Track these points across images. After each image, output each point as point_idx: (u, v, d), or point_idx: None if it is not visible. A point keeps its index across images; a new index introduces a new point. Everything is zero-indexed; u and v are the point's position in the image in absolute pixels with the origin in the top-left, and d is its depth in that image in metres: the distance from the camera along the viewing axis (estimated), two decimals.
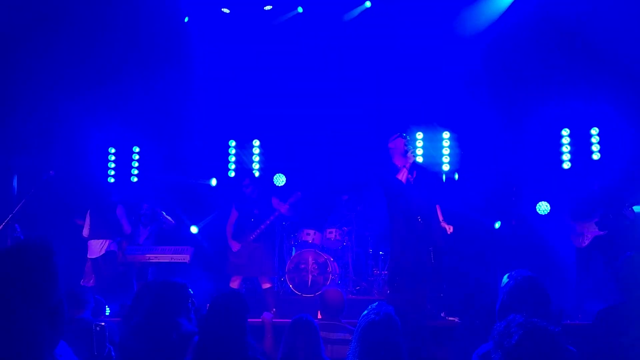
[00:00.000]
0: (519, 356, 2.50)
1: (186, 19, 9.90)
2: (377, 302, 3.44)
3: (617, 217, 7.65)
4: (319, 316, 5.27)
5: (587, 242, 7.86)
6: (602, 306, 4.11)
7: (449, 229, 7.13)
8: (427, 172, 7.36)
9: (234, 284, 8.36)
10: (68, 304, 4.79)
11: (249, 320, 3.45)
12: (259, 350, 3.45)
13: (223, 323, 3.31)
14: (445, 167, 10.01)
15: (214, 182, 9.23)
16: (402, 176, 6.98)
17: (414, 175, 7.07)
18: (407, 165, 6.99)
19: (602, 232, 7.78)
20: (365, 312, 3.36)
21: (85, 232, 8.85)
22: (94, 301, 5.29)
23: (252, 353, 3.31)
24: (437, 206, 7.27)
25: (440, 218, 7.22)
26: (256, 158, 10.66)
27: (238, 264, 8.38)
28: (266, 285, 8.33)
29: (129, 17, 9.44)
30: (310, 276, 8.76)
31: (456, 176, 9.79)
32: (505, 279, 3.47)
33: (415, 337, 4.92)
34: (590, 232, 7.87)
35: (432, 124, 10.00)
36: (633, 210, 7.59)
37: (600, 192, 7.94)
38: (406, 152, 7.04)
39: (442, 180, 9.46)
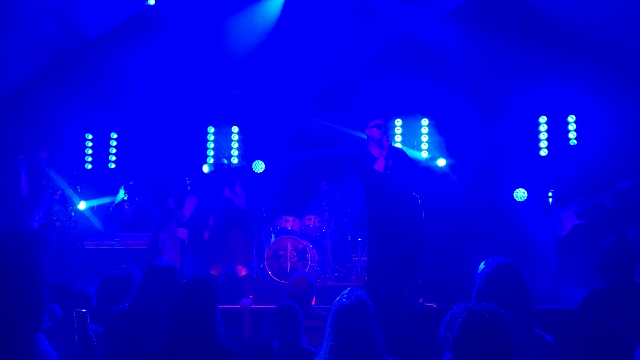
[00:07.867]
0: (465, 347, 2.33)
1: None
2: (349, 288, 3.41)
3: (595, 206, 7.72)
4: (314, 303, 5.15)
5: (566, 232, 7.91)
6: (579, 291, 4.11)
7: None
8: (405, 158, 7.37)
9: (215, 271, 8.33)
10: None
11: (228, 306, 3.39)
12: (234, 337, 3.38)
13: (191, 310, 3.25)
14: (424, 154, 10.05)
15: (205, 168, 9.09)
16: (380, 166, 6.99)
17: (390, 163, 7.07)
18: (384, 154, 6.98)
19: (580, 222, 7.82)
20: (338, 297, 3.33)
21: None
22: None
23: (222, 340, 3.26)
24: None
25: None
26: (235, 145, 10.61)
27: (214, 252, 8.37)
28: (242, 273, 8.30)
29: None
30: (289, 263, 8.75)
31: (440, 162, 9.80)
32: (482, 265, 3.47)
33: (392, 322, 4.89)
34: (570, 221, 7.92)
35: (411, 111, 10.02)
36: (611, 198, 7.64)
37: (577, 179, 8.01)
38: (380, 140, 7.02)
39: (419, 165, 9.51)
